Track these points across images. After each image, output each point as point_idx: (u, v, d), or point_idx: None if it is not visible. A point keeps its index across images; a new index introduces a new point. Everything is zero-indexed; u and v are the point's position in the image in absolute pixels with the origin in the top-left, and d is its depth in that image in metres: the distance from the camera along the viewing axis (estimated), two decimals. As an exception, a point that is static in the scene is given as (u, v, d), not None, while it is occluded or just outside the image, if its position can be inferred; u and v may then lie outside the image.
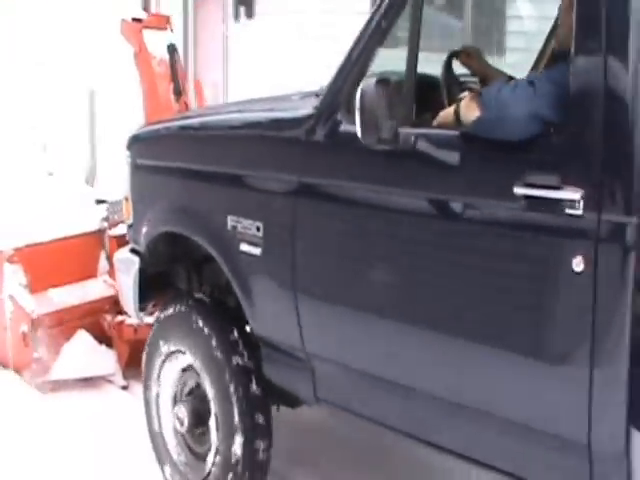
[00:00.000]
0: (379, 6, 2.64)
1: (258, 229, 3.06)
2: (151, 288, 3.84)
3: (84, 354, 4.86)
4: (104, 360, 4.87)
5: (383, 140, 2.41)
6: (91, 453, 4.05)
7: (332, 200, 2.82)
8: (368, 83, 2.40)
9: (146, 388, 3.78)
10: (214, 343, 3.31)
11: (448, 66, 3.11)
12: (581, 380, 2.15)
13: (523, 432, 2.35)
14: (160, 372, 3.67)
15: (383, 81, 2.39)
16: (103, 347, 4.89)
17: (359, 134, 2.45)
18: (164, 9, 11.11)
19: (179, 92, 5.12)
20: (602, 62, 2.10)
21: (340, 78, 2.77)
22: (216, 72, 11.00)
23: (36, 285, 4.74)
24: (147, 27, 5.20)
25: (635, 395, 2.09)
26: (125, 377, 4.86)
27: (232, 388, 3.25)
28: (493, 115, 2.30)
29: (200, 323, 3.38)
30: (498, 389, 2.39)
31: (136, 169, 3.76)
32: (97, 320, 4.88)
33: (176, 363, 3.58)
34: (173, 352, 3.57)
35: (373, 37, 2.68)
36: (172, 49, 5.17)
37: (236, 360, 3.27)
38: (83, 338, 4.87)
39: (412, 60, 2.53)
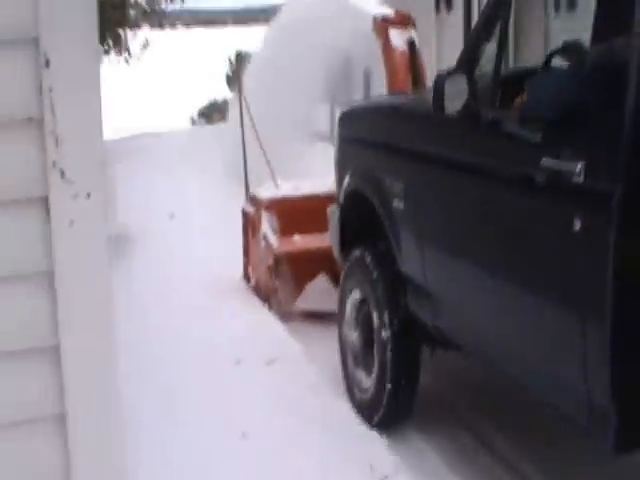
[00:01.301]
0: (481, 15, 3.27)
1: (402, 189, 3.83)
2: (357, 237, 4.70)
3: (322, 293, 5.89)
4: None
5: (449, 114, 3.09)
6: (310, 368, 4.97)
7: (438, 164, 3.52)
8: (440, 73, 3.06)
9: (339, 318, 4.70)
10: (377, 279, 4.14)
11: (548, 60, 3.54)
12: (577, 321, 2.66)
13: (549, 364, 2.90)
14: (345, 305, 4.58)
15: (451, 71, 3.06)
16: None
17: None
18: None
19: (416, 83, 5.89)
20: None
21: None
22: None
23: (285, 230, 5.90)
24: (393, 24, 6.07)
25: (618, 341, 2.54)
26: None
27: (387, 316, 4.06)
28: (531, 99, 2.84)
29: (369, 264, 4.22)
30: (525, 323, 2.96)
31: (340, 139, 4.69)
32: (334, 267, 5.88)
33: (355, 297, 4.46)
34: (353, 288, 4.45)
35: (478, 36, 3.30)
36: (412, 44, 5.96)
37: (390, 293, 4.06)
38: (322, 280, 5.92)
39: (499, 57, 3.13)
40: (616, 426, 2.57)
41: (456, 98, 3.09)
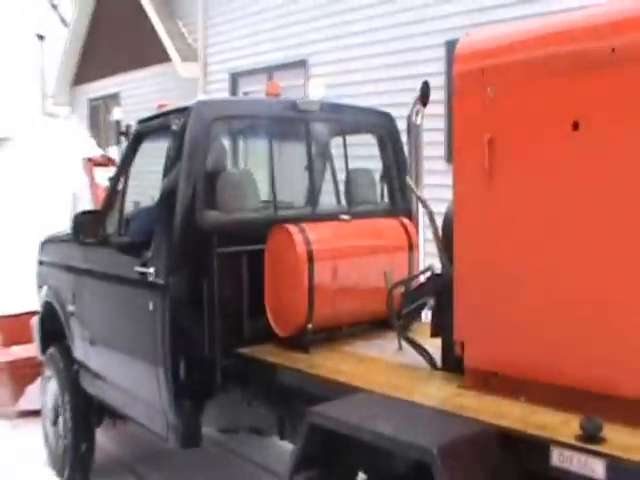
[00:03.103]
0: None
1: (70, 295, 5.15)
2: (53, 339, 5.83)
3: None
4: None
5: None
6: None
7: (84, 275, 4.95)
8: (76, 213, 4.56)
9: (42, 402, 5.82)
10: (61, 368, 5.36)
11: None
12: (155, 370, 4.05)
13: (149, 402, 4.25)
14: (45, 392, 5.73)
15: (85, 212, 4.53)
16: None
17: None
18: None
19: None
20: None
21: None
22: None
23: (4, 342, 6.94)
24: (98, 165, 7.50)
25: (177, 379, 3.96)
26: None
27: (67, 394, 5.28)
28: (131, 228, 4.31)
29: (57, 357, 5.45)
30: (133, 377, 4.33)
31: (39, 262, 5.96)
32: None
33: (51, 385, 5.62)
34: (49, 378, 5.62)
35: (114, 182, 4.77)
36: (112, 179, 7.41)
37: (69, 376, 5.29)
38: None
39: (122, 199, 4.59)
40: (179, 432, 4.00)
41: (90, 230, 4.54)
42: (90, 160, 7.54)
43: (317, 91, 4.74)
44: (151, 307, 4.06)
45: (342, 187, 4.90)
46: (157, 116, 4.62)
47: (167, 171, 4.23)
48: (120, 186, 4.73)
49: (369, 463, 3.00)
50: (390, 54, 8.34)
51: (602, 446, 2.34)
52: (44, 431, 5.77)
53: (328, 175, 5.16)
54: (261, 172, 4.42)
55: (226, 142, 4.39)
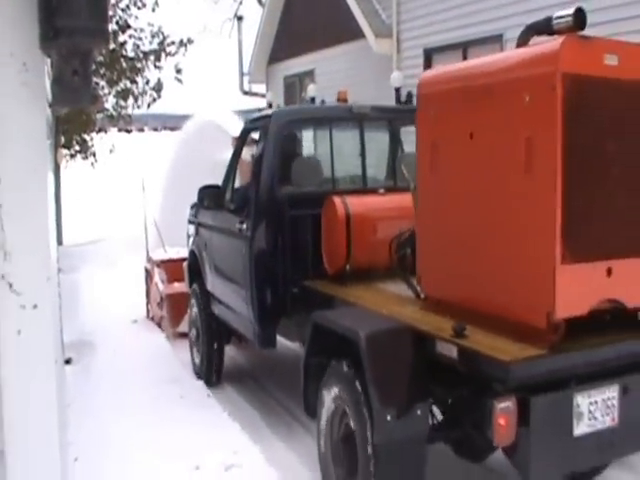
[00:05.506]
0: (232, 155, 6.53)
1: (203, 243, 7.04)
2: (196, 277, 7.79)
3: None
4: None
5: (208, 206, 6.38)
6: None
7: (209, 228, 6.77)
8: (201, 187, 6.36)
9: (189, 325, 7.81)
10: (199, 297, 7.29)
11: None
12: (247, 294, 5.82)
13: (244, 316, 6.02)
14: (191, 317, 7.70)
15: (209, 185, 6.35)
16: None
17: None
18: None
19: None
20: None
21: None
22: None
23: (169, 279, 9.04)
24: (242, 142, 9.36)
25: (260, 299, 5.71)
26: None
27: (203, 317, 7.19)
28: (235, 198, 6.07)
29: (197, 290, 7.38)
30: (235, 299, 6.13)
31: (188, 219, 7.90)
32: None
33: (192, 311, 7.57)
34: (192, 306, 7.58)
35: (230, 167, 6.54)
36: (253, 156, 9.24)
37: (204, 303, 7.20)
38: (197, 312, 9.02)
39: (233, 178, 6.36)
40: (259, 337, 5.75)
41: (211, 199, 6.36)
42: (236, 139, 9.42)
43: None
44: (243, 251, 5.81)
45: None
46: (256, 118, 6.34)
47: (256, 157, 5.93)
48: (232, 168, 6.54)
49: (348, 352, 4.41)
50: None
51: (461, 340, 3.79)
52: (190, 347, 7.74)
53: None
54: (327, 158, 6.01)
55: (299, 136, 6.03)
